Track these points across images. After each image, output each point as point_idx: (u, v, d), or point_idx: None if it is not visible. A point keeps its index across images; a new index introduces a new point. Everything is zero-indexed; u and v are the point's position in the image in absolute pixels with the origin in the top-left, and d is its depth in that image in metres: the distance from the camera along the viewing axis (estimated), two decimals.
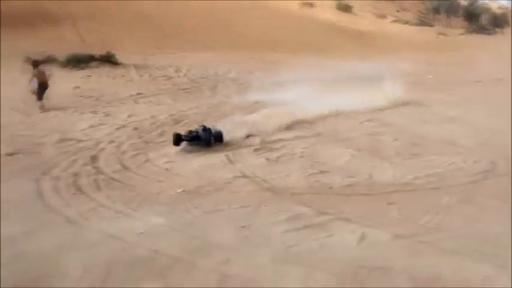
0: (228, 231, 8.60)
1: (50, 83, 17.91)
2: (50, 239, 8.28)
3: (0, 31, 28.41)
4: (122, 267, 7.36)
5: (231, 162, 12.22)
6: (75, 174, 11.47)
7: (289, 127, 15.14)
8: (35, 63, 18.19)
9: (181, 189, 10.49)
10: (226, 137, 13.66)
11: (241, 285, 7.15)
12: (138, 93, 20.31)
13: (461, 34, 57.59)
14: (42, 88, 17.67)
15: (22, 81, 18.86)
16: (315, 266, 7.61)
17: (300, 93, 19.00)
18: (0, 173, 11.42)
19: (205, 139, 13.31)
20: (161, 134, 14.68)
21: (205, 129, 13.50)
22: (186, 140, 13.34)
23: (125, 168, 12.00)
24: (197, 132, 13.46)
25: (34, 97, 17.56)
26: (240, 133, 14.10)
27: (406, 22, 59.32)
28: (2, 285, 6.96)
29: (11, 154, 12.69)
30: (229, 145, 13.43)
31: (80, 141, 13.93)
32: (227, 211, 9.43)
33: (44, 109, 17.28)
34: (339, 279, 7.32)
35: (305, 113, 16.14)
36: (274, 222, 8.93)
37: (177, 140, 13.31)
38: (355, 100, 17.66)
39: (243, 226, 8.75)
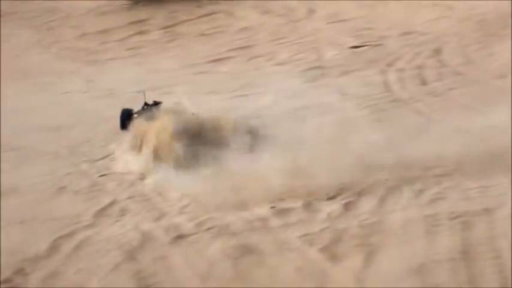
0: None
1: None
2: (398, 128, 8.46)
3: None
4: (472, 160, 7.28)
5: None
6: (419, 67, 11.48)
7: None
8: None
9: None
10: None
11: None
12: None
13: None
14: None
15: None
16: None
17: None
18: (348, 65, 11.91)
19: None
20: (506, 27, 13.93)
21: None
22: None
23: (469, 61, 11.71)
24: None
25: None
26: None
27: None
28: None
29: (356, 47, 13.08)
30: None
31: (422, 34, 13.80)
32: None
33: None
34: None
35: None
36: None
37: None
38: None
39: None
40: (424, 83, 10.70)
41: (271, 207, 6.68)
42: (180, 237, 6.33)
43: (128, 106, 9.11)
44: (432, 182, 6.82)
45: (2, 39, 15.28)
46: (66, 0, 19.61)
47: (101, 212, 6.99)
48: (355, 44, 13.23)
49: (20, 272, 6.06)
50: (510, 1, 15.73)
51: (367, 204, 6.57)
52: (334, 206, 6.63)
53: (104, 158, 8.53)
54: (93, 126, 9.63)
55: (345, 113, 9.10)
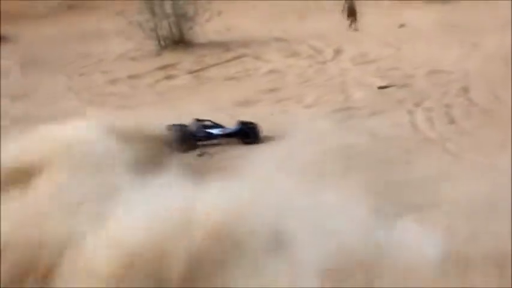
0: None
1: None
2: (428, 168, 8.47)
3: None
4: (504, 199, 7.26)
5: None
6: (447, 106, 11.52)
7: None
8: None
9: None
10: None
11: None
12: (507, 22, 19.43)
13: None
14: (351, 13, 18.44)
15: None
16: None
17: None
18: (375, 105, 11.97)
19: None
20: None
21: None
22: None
23: (497, 99, 11.72)
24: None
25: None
26: None
27: None
28: None
29: (384, 87, 13.17)
30: None
31: (450, 72, 13.86)
32: None
33: (354, 29, 17.90)
34: None
35: None
36: None
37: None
38: None
39: None
40: (452, 121, 10.73)
41: None
42: None
43: None
44: (464, 222, 6.81)
45: (33, 88, 15.61)
46: (98, 45, 20.05)
47: None
48: (382, 84, 13.33)
49: None
50: None
51: None
52: None
53: None
54: None
55: (374, 154, 9.14)
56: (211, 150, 10.34)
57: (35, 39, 21.18)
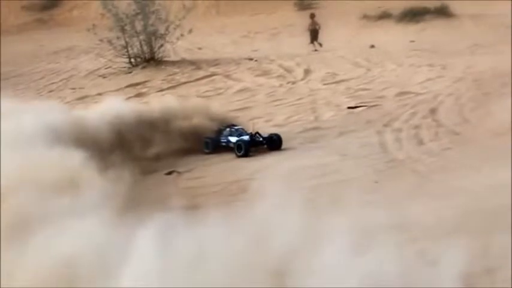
0: None
1: (382, 37, 18.57)
2: (396, 189, 8.48)
3: None
4: (472, 220, 7.28)
5: None
6: (416, 127, 11.59)
7: None
8: (311, 16, 22.00)
9: None
10: None
11: None
12: (475, 44, 19.72)
13: None
14: (313, 35, 21.07)
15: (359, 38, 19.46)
16: None
17: None
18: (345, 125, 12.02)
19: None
20: (502, 86, 14.09)
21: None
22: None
23: (465, 121, 11.82)
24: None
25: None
26: None
27: None
28: None
29: (353, 107, 13.24)
30: None
31: (418, 94, 13.99)
32: None
33: (315, 49, 20.45)
34: None
35: None
36: None
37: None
38: None
39: None
40: (420, 142, 10.77)
41: None
42: None
43: None
44: (432, 242, 6.80)
45: None
46: (68, 62, 19.94)
47: None
48: (352, 104, 13.39)
49: None
50: (510, 59, 15.88)
51: None
52: None
53: None
54: None
55: (342, 174, 9.14)
56: (182, 168, 10.29)
57: (5, 55, 21.01)
